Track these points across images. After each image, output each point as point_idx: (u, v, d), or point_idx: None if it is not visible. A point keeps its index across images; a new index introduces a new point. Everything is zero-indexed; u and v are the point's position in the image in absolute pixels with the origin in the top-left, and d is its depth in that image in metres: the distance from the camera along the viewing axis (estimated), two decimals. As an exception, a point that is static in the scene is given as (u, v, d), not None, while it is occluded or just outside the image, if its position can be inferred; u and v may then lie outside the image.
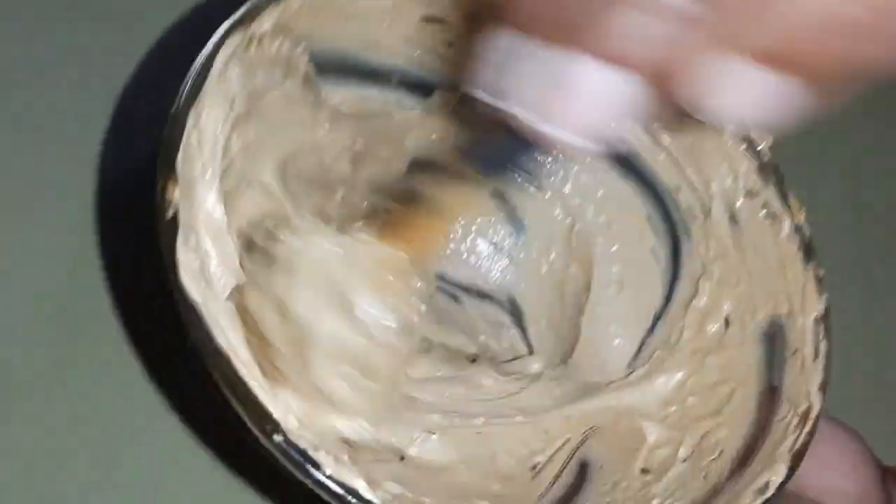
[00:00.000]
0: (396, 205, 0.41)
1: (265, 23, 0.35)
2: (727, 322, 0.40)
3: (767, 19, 0.22)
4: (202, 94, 0.33)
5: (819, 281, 0.38)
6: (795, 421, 0.35)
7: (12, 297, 0.43)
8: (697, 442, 0.38)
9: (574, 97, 0.24)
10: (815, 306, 0.38)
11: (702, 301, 0.41)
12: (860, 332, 0.53)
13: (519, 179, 0.30)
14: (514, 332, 0.45)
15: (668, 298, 0.43)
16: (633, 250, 0.44)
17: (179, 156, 0.32)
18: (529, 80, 0.24)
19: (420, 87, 0.42)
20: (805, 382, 0.36)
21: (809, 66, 0.22)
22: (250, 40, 0.35)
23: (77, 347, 0.42)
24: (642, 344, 0.43)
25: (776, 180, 0.40)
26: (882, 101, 0.58)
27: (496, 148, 0.29)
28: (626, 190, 0.43)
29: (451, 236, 0.45)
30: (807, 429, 0.35)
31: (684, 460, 0.38)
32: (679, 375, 0.40)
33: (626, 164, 0.43)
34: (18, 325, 0.42)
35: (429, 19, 0.40)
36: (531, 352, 0.44)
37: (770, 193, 0.40)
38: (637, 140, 0.42)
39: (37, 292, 0.43)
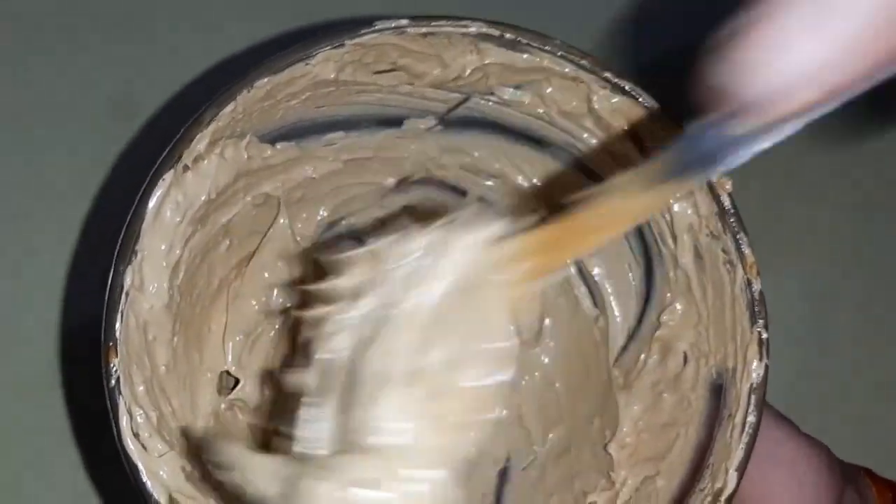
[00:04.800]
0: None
1: (198, 146, 0.38)
2: (685, 359, 0.41)
3: None
4: (138, 247, 0.37)
5: (761, 345, 0.38)
6: (709, 499, 0.38)
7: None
8: (637, 486, 0.41)
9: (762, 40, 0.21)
10: (753, 373, 0.38)
11: (666, 332, 0.42)
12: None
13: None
14: None
15: (639, 320, 0.44)
16: (612, 263, 0.44)
17: (118, 325, 0.36)
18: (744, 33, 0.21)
19: (391, 121, 0.43)
20: (727, 456, 0.38)
21: None
22: (184, 168, 0.38)
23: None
24: (617, 359, 0.45)
25: (733, 230, 0.39)
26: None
27: (696, 141, 0.25)
28: None
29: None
30: (716, 513, 0.37)
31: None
32: (637, 407, 0.43)
33: (599, 180, 0.43)
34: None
35: (379, 72, 0.40)
36: None
37: (728, 240, 0.39)
38: (604, 162, 0.42)
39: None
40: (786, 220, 0.52)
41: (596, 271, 0.45)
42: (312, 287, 0.29)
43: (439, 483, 0.27)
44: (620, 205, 0.27)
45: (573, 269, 0.46)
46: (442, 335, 0.27)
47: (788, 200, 0.51)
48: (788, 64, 0.20)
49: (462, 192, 0.46)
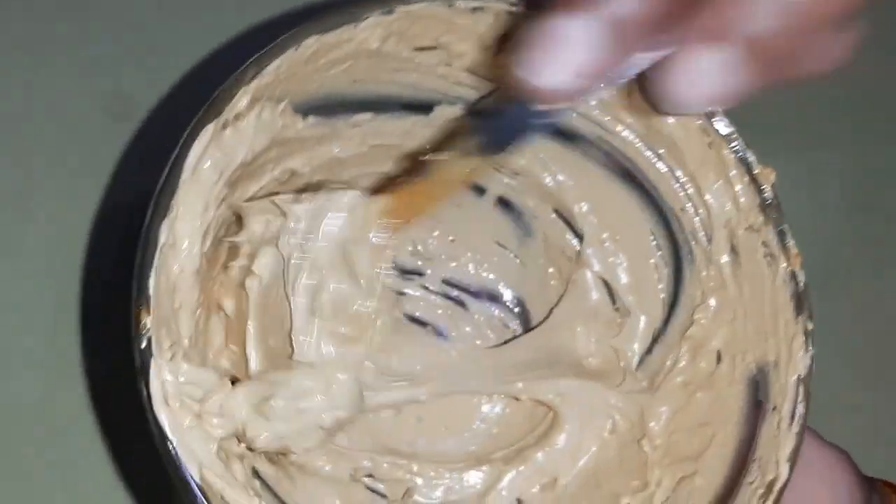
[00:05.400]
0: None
1: (240, 103, 0.36)
2: (719, 357, 0.41)
3: (756, 12, 0.27)
4: (174, 201, 0.34)
5: (807, 335, 0.37)
6: (761, 491, 0.36)
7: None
8: (673, 487, 0.40)
9: (555, 46, 0.27)
10: (800, 364, 0.37)
11: (698, 331, 0.41)
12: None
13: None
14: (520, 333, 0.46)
15: (666, 322, 0.43)
16: (636, 265, 0.43)
17: (151, 280, 0.33)
18: (531, 41, 0.28)
19: (421, 107, 0.42)
20: (776, 448, 0.37)
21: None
22: (224, 124, 0.35)
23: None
24: (640, 362, 0.44)
25: (776, 221, 0.38)
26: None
27: (501, 118, 0.33)
28: (630, 203, 0.42)
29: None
30: (770, 501, 0.36)
31: (660, 504, 0.40)
32: (667, 408, 0.41)
33: (630, 177, 0.42)
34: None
35: (421, 48, 0.39)
36: None
37: (769, 233, 0.39)
38: (640, 156, 0.41)
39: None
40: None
41: (619, 276, 0.44)
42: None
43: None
44: (451, 174, 0.36)
45: (590, 275, 0.44)
46: (333, 277, 0.39)
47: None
48: (553, 71, 0.28)
49: (481, 190, 0.45)
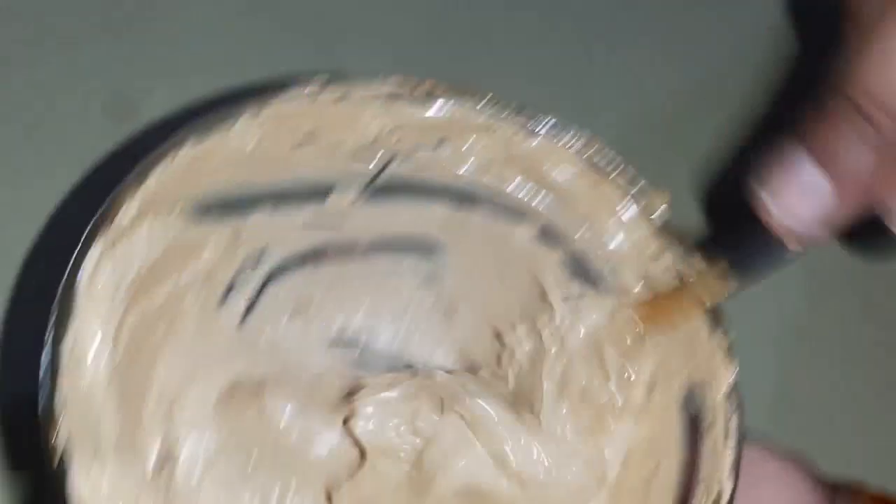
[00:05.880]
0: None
1: (125, 218, 0.36)
2: (650, 388, 0.40)
3: None
4: (72, 321, 0.34)
5: (726, 351, 0.38)
6: (709, 511, 0.36)
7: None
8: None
9: (792, 188, 0.33)
10: (725, 379, 0.37)
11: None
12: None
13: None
14: None
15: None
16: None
17: (57, 402, 0.33)
18: (781, 183, 0.33)
19: (314, 196, 0.42)
20: (717, 464, 0.36)
21: None
22: (113, 242, 0.36)
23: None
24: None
25: (672, 244, 0.39)
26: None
27: (750, 250, 0.36)
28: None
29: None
30: (718, 518, 0.36)
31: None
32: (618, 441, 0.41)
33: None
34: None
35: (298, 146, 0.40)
36: None
37: (670, 258, 0.39)
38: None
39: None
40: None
41: None
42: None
43: None
44: (696, 295, 0.38)
45: None
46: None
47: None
48: (796, 215, 0.33)
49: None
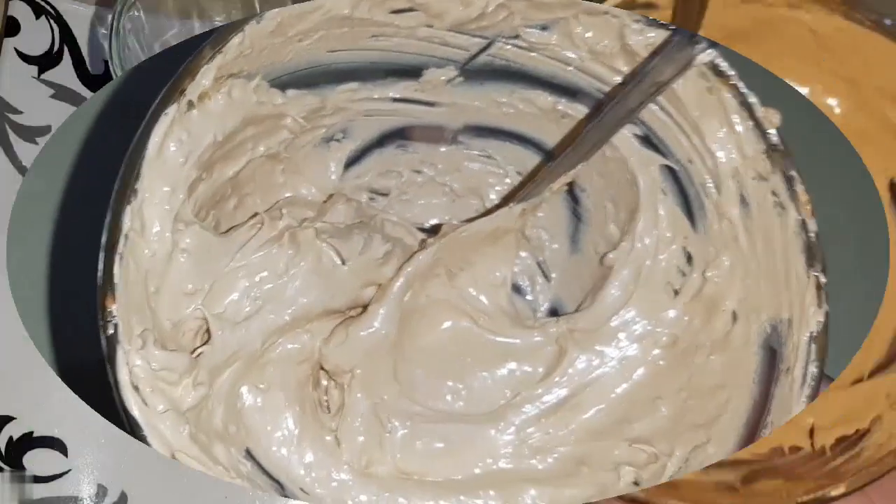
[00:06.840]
0: None
1: (203, 81, 0.35)
2: (734, 317, 0.38)
3: None
4: (139, 186, 0.34)
5: (819, 289, 0.35)
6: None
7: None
8: (687, 456, 0.37)
9: None
10: (812, 320, 0.35)
11: (712, 290, 0.39)
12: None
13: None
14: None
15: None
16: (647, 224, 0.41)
17: (116, 268, 0.33)
18: None
19: (408, 72, 0.40)
20: (787, 411, 0.34)
21: None
22: (189, 105, 0.35)
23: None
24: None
25: (784, 167, 0.36)
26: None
27: None
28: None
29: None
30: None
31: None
32: (683, 372, 0.39)
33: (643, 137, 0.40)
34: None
35: (398, 11, 0.38)
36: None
37: (777, 180, 0.36)
38: (649, 112, 0.39)
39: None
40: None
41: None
42: None
43: None
44: None
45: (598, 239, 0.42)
46: None
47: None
48: None
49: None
